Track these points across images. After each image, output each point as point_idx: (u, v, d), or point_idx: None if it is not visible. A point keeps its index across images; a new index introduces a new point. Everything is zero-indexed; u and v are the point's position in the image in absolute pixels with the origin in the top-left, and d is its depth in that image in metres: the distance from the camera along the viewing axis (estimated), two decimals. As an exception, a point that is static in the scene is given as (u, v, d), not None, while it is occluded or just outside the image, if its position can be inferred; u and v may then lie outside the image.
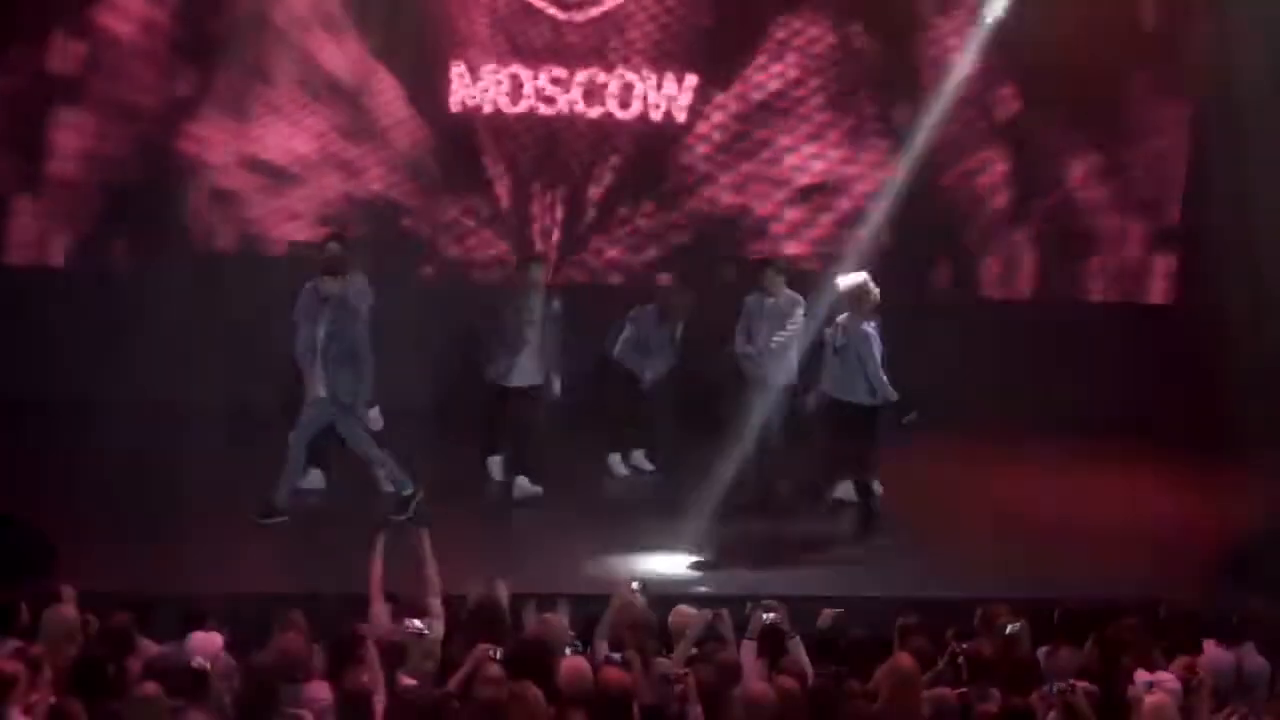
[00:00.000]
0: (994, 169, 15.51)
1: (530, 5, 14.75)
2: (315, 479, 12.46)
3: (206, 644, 8.28)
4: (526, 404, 12.64)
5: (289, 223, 14.65)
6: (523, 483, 12.66)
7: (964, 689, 8.31)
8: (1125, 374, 14.95)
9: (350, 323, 11.87)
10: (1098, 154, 15.58)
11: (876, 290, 12.17)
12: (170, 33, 14.21)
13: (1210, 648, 9.20)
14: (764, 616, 8.84)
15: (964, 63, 14.79)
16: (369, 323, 12.14)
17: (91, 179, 14.28)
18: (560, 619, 8.73)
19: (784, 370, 12.82)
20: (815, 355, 12.60)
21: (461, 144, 14.77)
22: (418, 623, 8.48)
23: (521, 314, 12.52)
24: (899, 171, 14.71)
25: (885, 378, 12.08)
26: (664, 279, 14.66)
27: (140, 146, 14.26)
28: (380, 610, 8.80)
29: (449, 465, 13.08)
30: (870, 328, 12.14)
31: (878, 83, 15.21)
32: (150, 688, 7.62)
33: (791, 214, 15.34)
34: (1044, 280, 15.83)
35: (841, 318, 12.25)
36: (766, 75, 15.20)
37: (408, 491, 11.92)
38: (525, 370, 12.58)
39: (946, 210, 15.45)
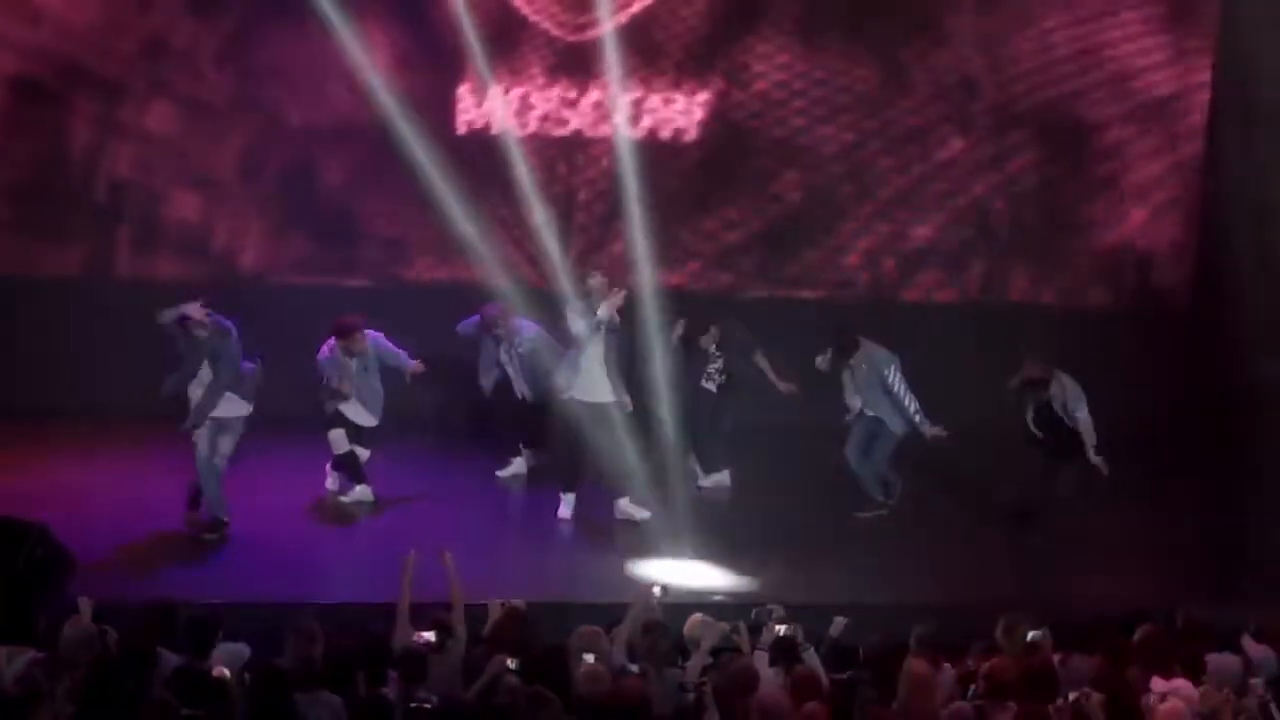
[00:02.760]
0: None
1: (535, 25, 14.75)
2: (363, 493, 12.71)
3: (233, 655, 8.35)
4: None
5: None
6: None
7: (980, 701, 8.29)
8: (1138, 382, 14.89)
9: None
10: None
11: None
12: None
13: (1214, 659, 9.14)
14: (777, 629, 8.86)
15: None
16: None
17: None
18: (594, 629, 8.62)
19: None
20: None
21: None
22: (429, 635, 8.49)
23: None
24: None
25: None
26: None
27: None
28: (406, 625, 8.79)
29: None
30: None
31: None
32: (168, 698, 7.65)
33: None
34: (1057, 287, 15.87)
35: None
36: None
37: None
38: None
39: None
